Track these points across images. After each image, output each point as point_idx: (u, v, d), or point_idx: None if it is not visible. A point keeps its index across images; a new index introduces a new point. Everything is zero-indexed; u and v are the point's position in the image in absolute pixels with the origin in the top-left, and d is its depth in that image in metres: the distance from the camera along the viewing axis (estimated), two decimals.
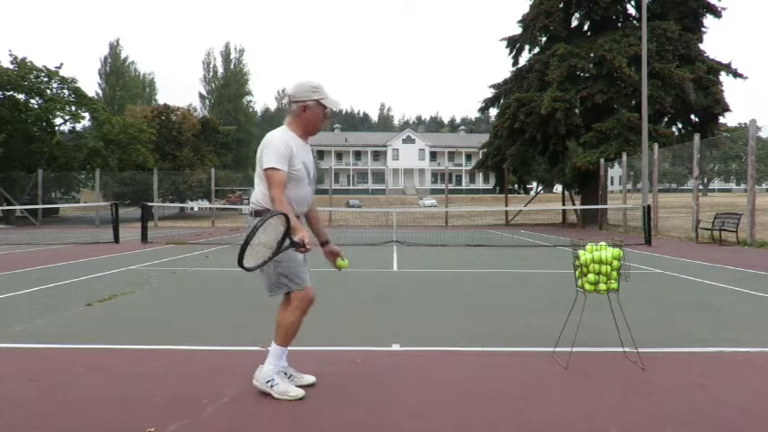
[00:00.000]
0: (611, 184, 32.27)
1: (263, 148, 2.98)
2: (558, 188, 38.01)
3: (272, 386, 2.99)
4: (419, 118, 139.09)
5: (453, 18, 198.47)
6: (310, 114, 3.04)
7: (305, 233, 2.85)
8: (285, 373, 3.10)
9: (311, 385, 3.16)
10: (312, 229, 3.29)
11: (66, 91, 33.54)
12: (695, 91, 24.07)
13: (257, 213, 2.98)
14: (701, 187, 20.00)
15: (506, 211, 29.97)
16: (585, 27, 28.17)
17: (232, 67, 75.68)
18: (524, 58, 29.98)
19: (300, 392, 2.99)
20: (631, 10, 27.71)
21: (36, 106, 32.72)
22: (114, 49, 72.30)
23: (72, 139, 36.01)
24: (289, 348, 3.11)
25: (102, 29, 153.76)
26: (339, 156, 76.33)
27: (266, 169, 2.91)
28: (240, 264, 2.60)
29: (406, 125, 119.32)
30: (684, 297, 6.46)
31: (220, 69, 75.97)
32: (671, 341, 4.28)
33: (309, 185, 3.13)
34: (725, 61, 26.10)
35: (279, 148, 2.94)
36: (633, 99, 24.76)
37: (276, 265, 2.94)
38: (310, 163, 3.14)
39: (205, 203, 38.75)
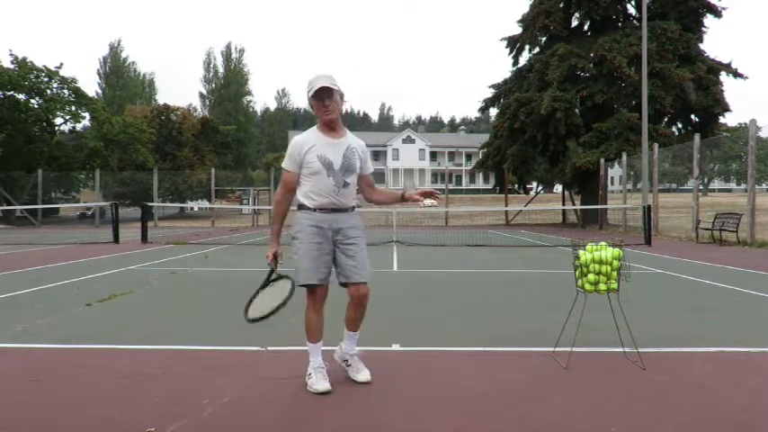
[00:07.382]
0: (612, 184, 32.27)
1: None
2: (558, 188, 37.98)
3: (308, 378, 3.17)
4: (419, 118, 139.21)
5: (453, 18, 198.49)
6: (315, 108, 3.20)
7: (270, 251, 3.24)
8: (346, 361, 3.35)
9: (366, 383, 3.25)
10: (383, 202, 3.51)
11: (66, 91, 33.54)
12: (695, 91, 24.05)
13: (298, 207, 3.25)
14: (701, 187, 19.98)
15: (506, 211, 29.96)
16: (586, 27, 28.15)
17: (232, 67, 75.68)
18: (524, 58, 30.03)
19: (324, 387, 3.08)
20: (631, 10, 27.72)
21: (36, 106, 32.73)
22: (115, 49, 72.29)
23: (72, 139, 36.02)
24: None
25: (103, 29, 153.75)
26: None
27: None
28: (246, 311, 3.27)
29: (406, 125, 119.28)
30: (684, 297, 6.46)
31: (221, 69, 75.99)
32: (671, 341, 4.27)
33: (330, 177, 3.17)
34: (725, 61, 26.08)
35: (289, 149, 3.22)
36: (633, 99, 24.74)
37: (295, 256, 3.19)
38: (333, 154, 3.18)
39: (205, 203, 38.73)
